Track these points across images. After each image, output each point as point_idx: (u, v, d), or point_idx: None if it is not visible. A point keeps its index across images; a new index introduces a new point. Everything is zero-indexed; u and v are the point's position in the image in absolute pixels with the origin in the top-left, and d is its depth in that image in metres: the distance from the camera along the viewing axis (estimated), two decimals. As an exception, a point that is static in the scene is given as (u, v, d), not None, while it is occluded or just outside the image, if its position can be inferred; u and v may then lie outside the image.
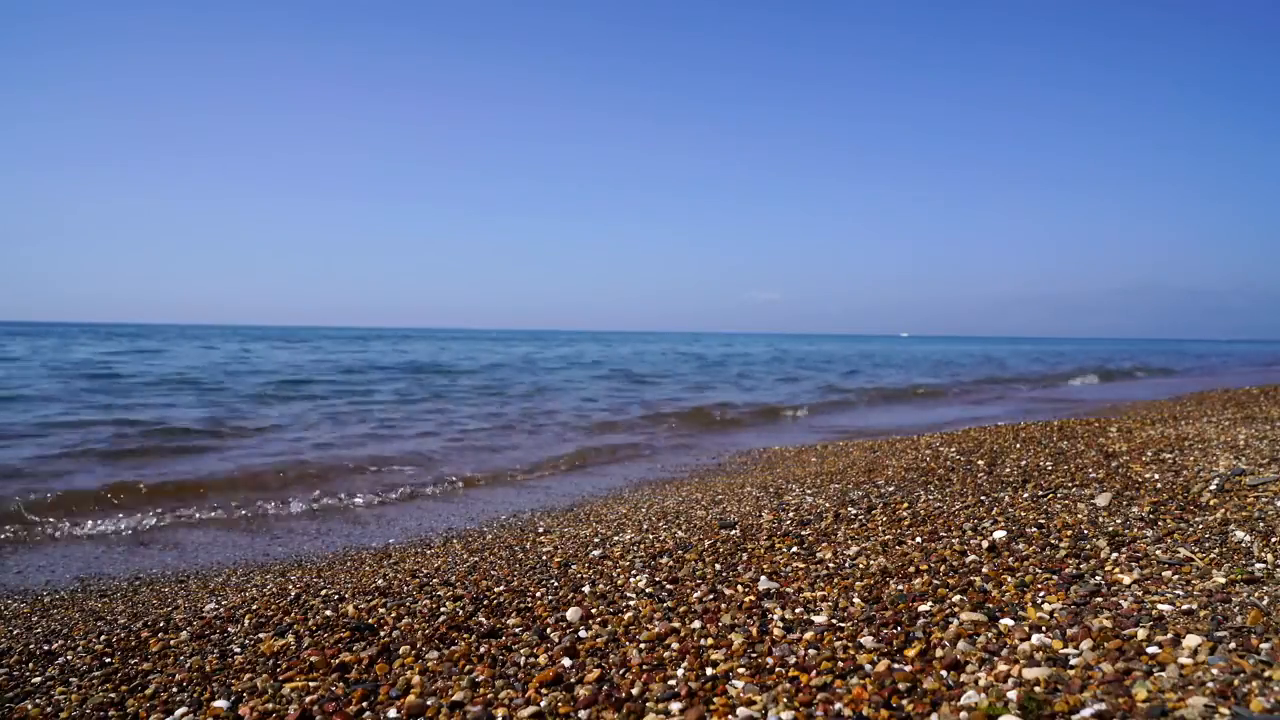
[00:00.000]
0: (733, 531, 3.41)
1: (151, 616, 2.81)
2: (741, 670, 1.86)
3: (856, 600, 2.30)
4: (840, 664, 1.85)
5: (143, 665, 2.27)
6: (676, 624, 2.22)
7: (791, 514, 3.71)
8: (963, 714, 1.55)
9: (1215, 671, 1.57)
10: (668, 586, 2.63)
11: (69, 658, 2.40)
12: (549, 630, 2.27)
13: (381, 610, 2.58)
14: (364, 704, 1.86)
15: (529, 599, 2.60)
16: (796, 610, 2.26)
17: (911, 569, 2.57)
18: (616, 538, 3.61)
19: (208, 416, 9.73)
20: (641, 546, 3.31)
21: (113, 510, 5.14)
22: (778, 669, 1.86)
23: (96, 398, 11.71)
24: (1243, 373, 21.58)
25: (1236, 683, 1.51)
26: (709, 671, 1.87)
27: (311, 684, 2.00)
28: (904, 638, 1.97)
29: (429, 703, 1.82)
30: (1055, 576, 2.34)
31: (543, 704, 1.78)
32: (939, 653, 1.86)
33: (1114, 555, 2.50)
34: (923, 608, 2.17)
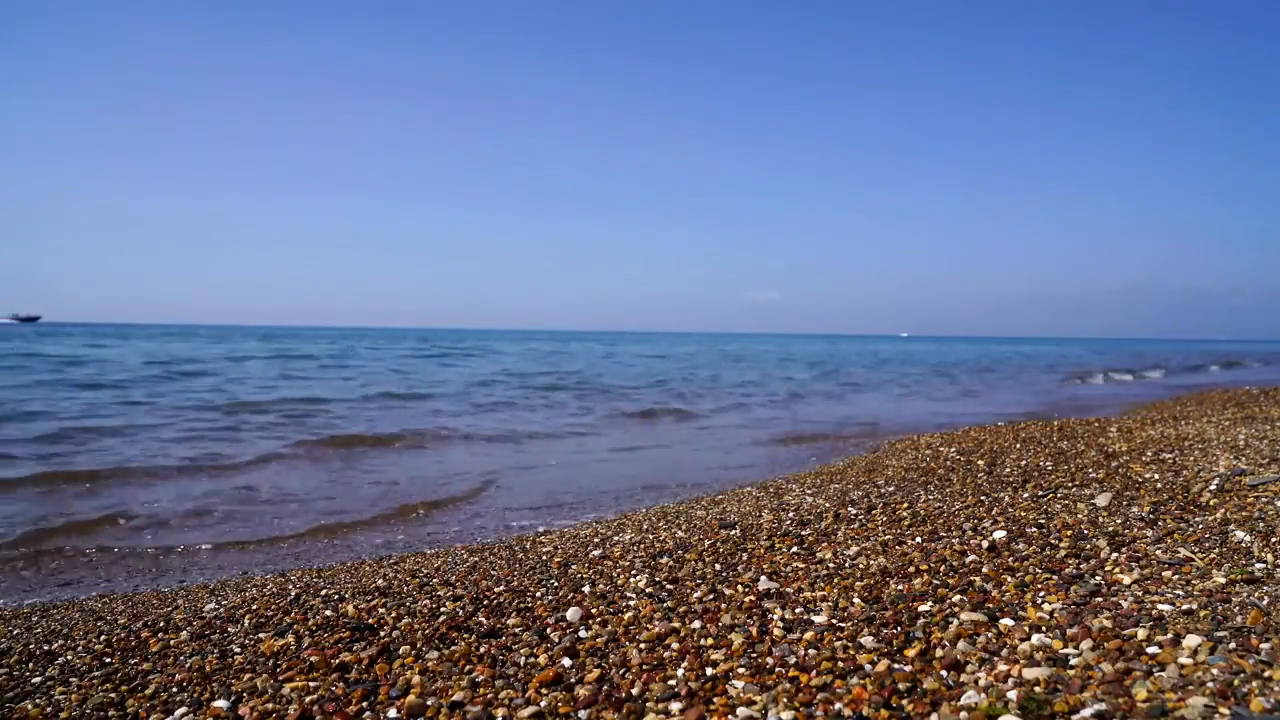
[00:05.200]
0: (733, 531, 3.41)
1: (151, 616, 2.81)
2: (741, 670, 1.86)
3: (856, 600, 2.30)
4: (840, 664, 1.85)
5: (143, 665, 2.27)
6: (676, 624, 2.22)
7: (791, 514, 3.70)
8: (963, 714, 1.55)
9: (1215, 671, 1.57)
10: (668, 586, 2.63)
11: (69, 658, 2.40)
12: (549, 630, 2.27)
13: (381, 610, 2.58)
14: (364, 704, 1.86)
15: (529, 599, 2.60)
16: (796, 610, 2.26)
17: (911, 569, 2.57)
18: (616, 538, 3.61)
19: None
20: (641, 546, 3.31)
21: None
22: (778, 669, 1.86)
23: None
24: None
25: (1236, 683, 1.51)
26: (709, 671, 1.87)
27: (311, 684, 2.00)
28: (904, 638, 1.97)
29: (429, 703, 1.82)
30: (1055, 576, 2.34)
31: (543, 704, 1.78)
32: (939, 653, 1.86)
33: (1114, 555, 2.50)
34: (923, 608, 2.17)
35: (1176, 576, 2.23)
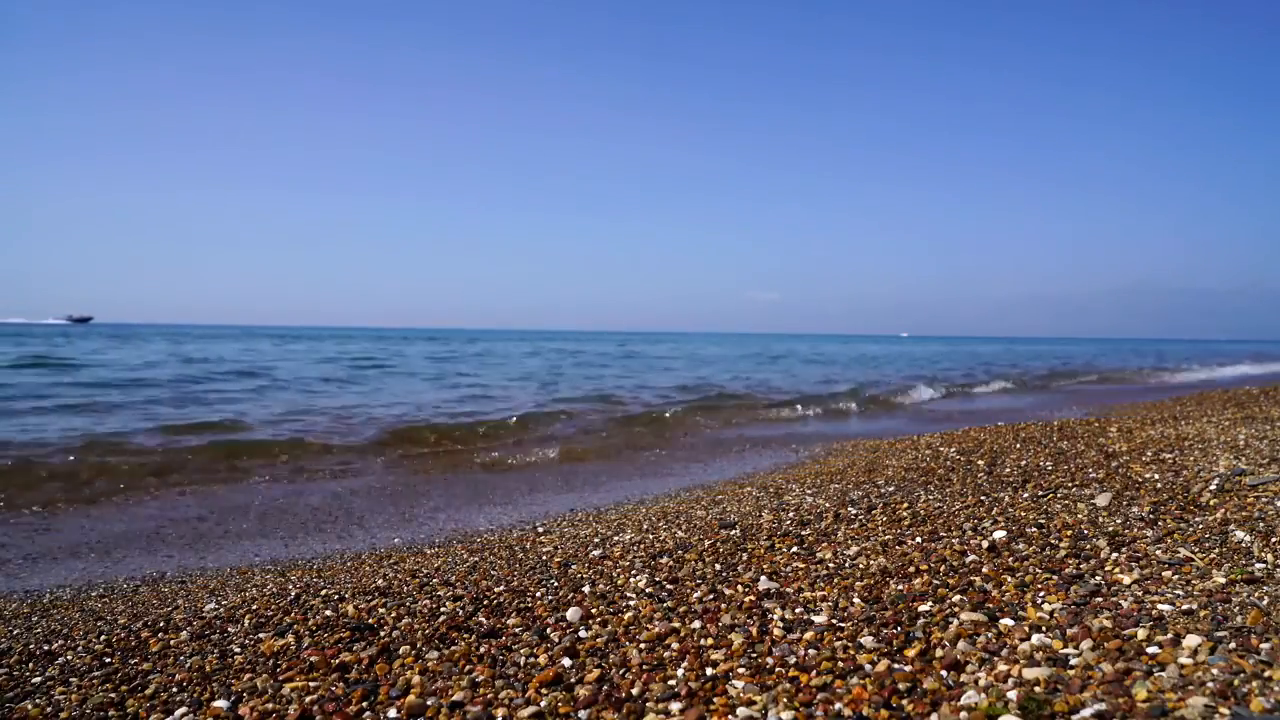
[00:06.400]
0: (733, 531, 3.41)
1: (151, 616, 2.81)
2: (741, 670, 1.86)
3: (856, 600, 2.30)
4: (840, 664, 1.85)
5: (143, 665, 2.27)
6: (676, 624, 2.22)
7: (791, 514, 3.71)
8: (963, 714, 1.55)
9: (1215, 671, 1.57)
10: (668, 586, 2.63)
11: (69, 658, 2.40)
12: (549, 630, 2.27)
13: (381, 610, 2.58)
14: (364, 704, 1.87)
15: (529, 599, 2.60)
16: (796, 610, 2.26)
17: (911, 569, 2.57)
18: (616, 537, 3.61)
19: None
20: (641, 546, 3.31)
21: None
22: (778, 669, 1.86)
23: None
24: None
25: (1236, 683, 1.51)
26: (709, 671, 1.87)
27: (311, 684, 2.00)
28: (904, 638, 1.97)
29: (429, 703, 1.83)
30: (1055, 576, 2.34)
31: (543, 704, 1.78)
32: (939, 653, 1.86)
33: (1114, 555, 2.50)
34: (923, 608, 2.17)
35: (1176, 576, 2.23)
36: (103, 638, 2.57)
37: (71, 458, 6.50)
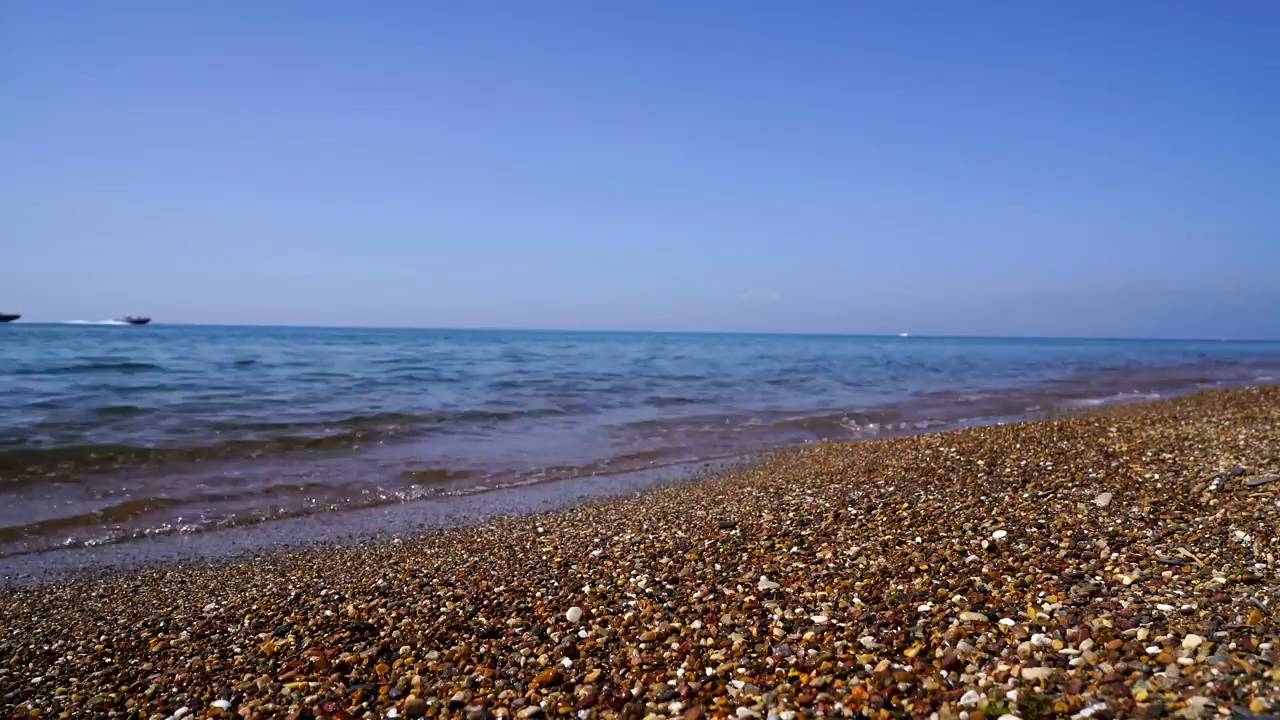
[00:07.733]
0: (733, 531, 3.41)
1: (151, 616, 2.81)
2: (741, 670, 1.86)
3: (856, 600, 2.30)
4: (840, 664, 1.85)
5: (143, 665, 2.27)
6: (676, 624, 2.22)
7: (791, 514, 3.70)
8: (963, 714, 1.55)
9: (1215, 671, 1.57)
10: (668, 586, 2.63)
11: (69, 658, 2.40)
12: (549, 630, 2.27)
13: (381, 610, 2.58)
14: (364, 704, 1.87)
15: (529, 599, 2.60)
16: (796, 610, 2.26)
17: (911, 569, 2.57)
18: (616, 538, 3.61)
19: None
20: (641, 546, 3.31)
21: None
22: (778, 669, 1.86)
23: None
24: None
25: (1236, 683, 1.51)
26: (709, 671, 1.87)
27: (311, 684, 2.00)
28: (904, 638, 1.97)
29: (429, 703, 1.83)
30: (1055, 576, 2.34)
31: (543, 704, 1.78)
32: (939, 653, 1.86)
33: (1114, 555, 2.50)
34: (923, 608, 2.17)
35: (1176, 577, 2.23)
36: (103, 638, 2.57)
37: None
